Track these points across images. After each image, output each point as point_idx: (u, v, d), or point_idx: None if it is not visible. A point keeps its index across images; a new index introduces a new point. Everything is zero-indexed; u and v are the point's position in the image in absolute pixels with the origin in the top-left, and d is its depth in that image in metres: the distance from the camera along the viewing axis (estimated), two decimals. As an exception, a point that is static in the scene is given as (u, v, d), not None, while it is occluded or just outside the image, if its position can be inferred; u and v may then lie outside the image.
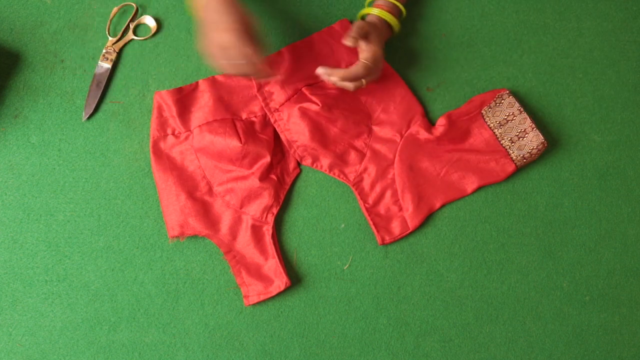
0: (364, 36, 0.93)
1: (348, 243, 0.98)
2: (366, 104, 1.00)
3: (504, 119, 0.99)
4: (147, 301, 0.95)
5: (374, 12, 0.96)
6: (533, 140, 0.97)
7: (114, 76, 1.01)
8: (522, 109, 0.98)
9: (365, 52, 0.93)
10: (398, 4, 0.96)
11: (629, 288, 0.98)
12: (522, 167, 0.99)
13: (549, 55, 1.04)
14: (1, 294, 0.95)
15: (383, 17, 0.95)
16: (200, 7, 0.87)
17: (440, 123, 0.99)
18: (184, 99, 0.98)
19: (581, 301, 0.98)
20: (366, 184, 0.98)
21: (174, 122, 0.97)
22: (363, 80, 0.93)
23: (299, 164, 0.99)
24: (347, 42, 0.91)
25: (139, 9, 1.03)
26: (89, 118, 0.99)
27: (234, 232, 0.96)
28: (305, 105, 0.96)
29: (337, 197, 0.99)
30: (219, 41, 0.85)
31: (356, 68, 0.92)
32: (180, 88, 0.98)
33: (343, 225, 0.98)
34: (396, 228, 0.97)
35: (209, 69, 1.01)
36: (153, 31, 1.02)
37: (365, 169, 0.98)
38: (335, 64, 1.00)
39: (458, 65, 1.03)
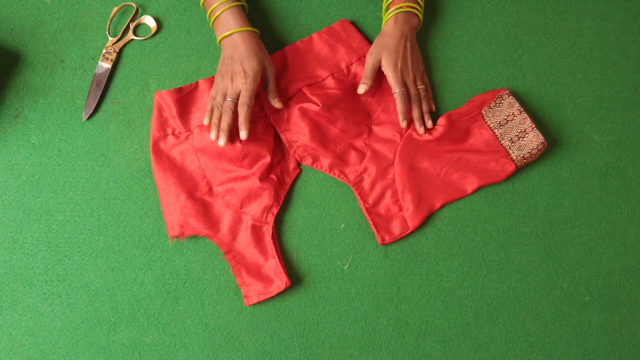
0: (376, 71, 0.97)
1: (348, 243, 0.98)
2: (366, 104, 1.00)
3: (504, 119, 0.99)
4: (147, 301, 0.95)
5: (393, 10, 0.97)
6: (533, 140, 0.97)
7: (114, 76, 1.01)
8: (522, 109, 0.98)
9: (390, 79, 0.96)
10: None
11: (629, 288, 0.98)
12: (522, 167, 0.99)
13: (549, 55, 1.04)
14: (1, 294, 0.95)
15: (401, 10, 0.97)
16: (221, 38, 0.93)
17: (440, 123, 0.99)
18: (184, 99, 0.98)
19: (581, 301, 0.98)
20: (366, 184, 0.98)
21: (174, 122, 0.97)
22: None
23: (299, 164, 0.99)
24: (361, 90, 0.96)
25: (139, 9, 1.03)
26: (89, 118, 0.99)
27: (234, 232, 0.96)
28: (305, 105, 0.96)
29: (337, 197, 0.99)
30: (241, 75, 0.90)
31: (396, 98, 0.96)
32: (180, 88, 0.98)
33: (343, 225, 0.98)
34: (396, 228, 0.97)
35: (209, 69, 1.01)
36: (153, 31, 1.02)
37: (365, 169, 0.98)
38: (335, 64, 1.00)
39: (458, 65, 1.03)
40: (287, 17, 1.04)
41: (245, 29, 0.92)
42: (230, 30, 0.92)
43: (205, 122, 0.93)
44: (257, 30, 0.95)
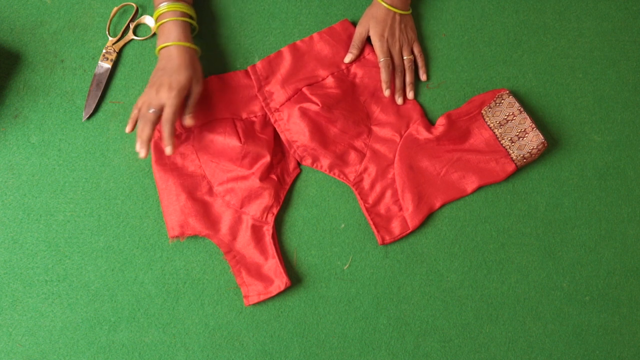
0: (364, 41, 1.00)
1: (348, 243, 0.98)
2: (365, 104, 1.00)
3: (504, 118, 0.99)
4: (147, 301, 0.95)
5: None
6: (533, 140, 0.97)
7: (114, 76, 1.01)
8: (522, 109, 0.98)
9: (375, 48, 0.99)
10: None
11: (629, 288, 0.98)
12: (522, 167, 0.99)
13: (549, 55, 1.04)
14: (1, 294, 0.95)
15: None
16: (160, 48, 0.92)
17: (440, 123, 0.99)
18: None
19: (581, 301, 0.98)
20: (366, 183, 0.98)
21: (174, 122, 0.97)
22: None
23: (299, 164, 0.99)
24: (347, 59, 1.00)
25: (139, 9, 1.03)
26: (89, 118, 0.99)
27: (234, 232, 0.96)
28: (305, 105, 0.96)
29: (337, 197, 0.99)
30: (170, 84, 0.88)
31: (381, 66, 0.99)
32: (180, 88, 0.98)
33: (343, 225, 0.98)
34: (396, 228, 0.97)
35: (208, 69, 1.01)
36: (153, 31, 1.02)
37: (365, 169, 0.98)
38: (335, 64, 1.00)
39: (458, 65, 1.03)
40: (287, 17, 1.04)
41: (184, 43, 0.91)
42: (169, 41, 0.91)
43: (128, 130, 0.90)
44: (197, 49, 0.94)
